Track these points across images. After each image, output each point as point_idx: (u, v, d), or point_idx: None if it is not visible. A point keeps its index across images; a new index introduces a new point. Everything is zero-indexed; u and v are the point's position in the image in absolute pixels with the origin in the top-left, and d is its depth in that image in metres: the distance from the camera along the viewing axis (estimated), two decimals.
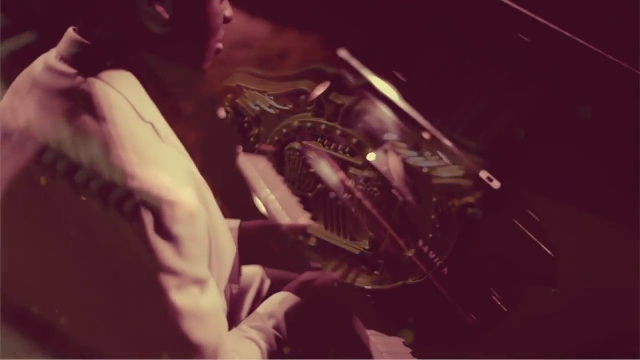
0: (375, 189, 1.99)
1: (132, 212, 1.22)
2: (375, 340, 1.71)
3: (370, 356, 1.70)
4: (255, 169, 2.26)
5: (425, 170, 1.87)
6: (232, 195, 2.31)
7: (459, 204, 1.78)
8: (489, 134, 1.86)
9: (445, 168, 1.88)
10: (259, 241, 1.85)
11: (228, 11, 1.42)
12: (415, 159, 1.93)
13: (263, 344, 1.53)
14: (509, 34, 1.84)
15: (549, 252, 1.59)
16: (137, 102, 1.33)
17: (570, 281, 1.56)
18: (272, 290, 1.93)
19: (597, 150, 1.69)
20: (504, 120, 1.87)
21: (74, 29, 1.36)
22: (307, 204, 2.15)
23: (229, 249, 1.47)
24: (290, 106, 2.22)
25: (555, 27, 1.74)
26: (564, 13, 1.69)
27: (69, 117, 1.28)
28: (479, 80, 2.02)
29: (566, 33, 1.71)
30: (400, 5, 2.13)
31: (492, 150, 1.85)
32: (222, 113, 2.38)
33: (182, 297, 1.26)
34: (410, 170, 1.90)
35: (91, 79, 1.30)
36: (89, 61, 1.32)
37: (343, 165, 2.10)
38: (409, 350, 1.67)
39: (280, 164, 2.29)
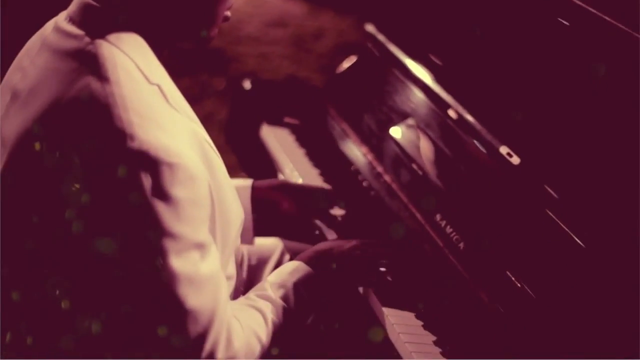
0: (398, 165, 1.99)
1: (130, 174, 1.21)
2: (391, 317, 1.67)
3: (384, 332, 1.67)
4: (278, 142, 2.26)
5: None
6: (257, 170, 2.32)
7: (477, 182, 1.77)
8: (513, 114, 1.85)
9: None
10: (273, 201, 1.84)
11: None
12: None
13: (269, 315, 1.47)
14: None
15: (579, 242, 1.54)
16: (144, 64, 1.32)
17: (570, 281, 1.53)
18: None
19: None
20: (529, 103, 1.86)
21: None
22: (327, 177, 2.14)
23: (235, 214, 1.45)
24: None
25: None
26: None
27: (74, 78, 1.28)
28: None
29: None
30: None
31: (513, 127, 1.83)
32: (247, 84, 2.38)
33: (181, 263, 1.24)
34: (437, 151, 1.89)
35: (98, 41, 1.30)
36: (97, 23, 1.32)
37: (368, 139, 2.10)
38: (420, 323, 1.65)
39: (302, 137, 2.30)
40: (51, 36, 1.37)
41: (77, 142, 1.23)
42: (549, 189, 1.66)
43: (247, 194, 1.80)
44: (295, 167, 2.14)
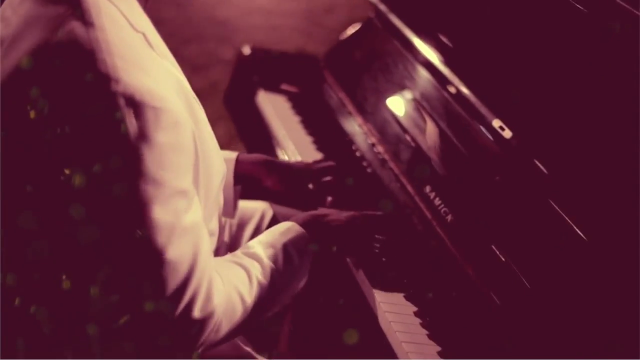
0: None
1: (114, 117, 1.19)
2: (379, 298, 1.61)
3: (374, 315, 1.61)
4: (273, 108, 2.24)
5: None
6: (253, 140, 2.31)
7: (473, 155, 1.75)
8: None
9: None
10: (257, 176, 1.81)
11: None
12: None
13: (255, 274, 1.42)
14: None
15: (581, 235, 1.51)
16: (129, 12, 1.31)
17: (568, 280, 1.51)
18: (273, 224, 1.90)
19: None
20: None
21: None
22: (320, 146, 2.12)
23: (217, 167, 1.43)
24: None
25: None
26: None
27: (58, 24, 1.26)
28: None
29: None
30: None
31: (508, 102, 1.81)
32: (246, 50, 2.36)
33: (161, 210, 1.22)
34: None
35: None
36: None
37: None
38: (411, 306, 1.61)
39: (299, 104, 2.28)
40: None
41: (61, 87, 1.22)
42: (538, 164, 1.64)
43: (231, 167, 1.77)
44: (288, 134, 2.12)
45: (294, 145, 2.06)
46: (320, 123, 2.21)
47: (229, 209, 1.78)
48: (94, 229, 1.22)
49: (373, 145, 2.02)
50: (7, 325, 1.29)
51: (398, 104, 2.04)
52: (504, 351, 1.48)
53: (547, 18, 1.88)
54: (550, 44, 1.84)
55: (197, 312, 1.28)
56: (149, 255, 1.23)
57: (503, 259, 1.57)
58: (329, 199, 1.84)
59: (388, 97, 2.08)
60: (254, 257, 1.46)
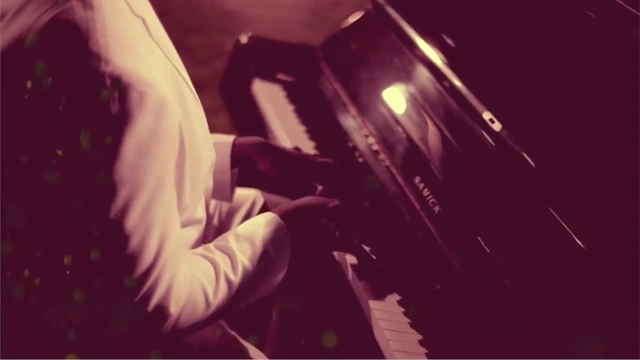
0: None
1: (99, 97, 1.20)
2: (373, 305, 1.55)
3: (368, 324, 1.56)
4: (268, 97, 2.25)
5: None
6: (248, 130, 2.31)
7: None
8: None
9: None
10: (252, 160, 1.81)
11: None
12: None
13: (223, 269, 1.39)
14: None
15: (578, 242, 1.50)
16: None
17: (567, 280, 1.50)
18: (263, 212, 1.90)
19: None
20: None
21: None
22: (312, 135, 2.12)
23: (205, 158, 1.43)
24: None
25: None
26: None
27: (58, 1, 1.28)
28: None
29: None
30: None
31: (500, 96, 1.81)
32: (244, 39, 2.36)
33: (131, 196, 1.22)
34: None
35: None
36: None
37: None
38: (401, 310, 1.58)
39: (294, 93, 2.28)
40: None
41: (55, 62, 1.23)
42: (527, 157, 1.64)
43: (227, 151, 1.76)
44: (281, 122, 2.12)
45: (287, 134, 2.06)
46: (314, 113, 2.21)
47: (226, 193, 1.77)
48: (67, 201, 1.21)
49: (366, 136, 2.02)
50: (7, 325, 1.29)
51: (392, 96, 2.04)
52: (493, 350, 1.48)
53: (541, 12, 1.88)
54: (544, 38, 1.85)
55: (153, 303, 1.26)
56: (112, 238, 1.23)
57: (488, 251, 1.57)
58: (319, 188, 1.83)
59: (382, 89, 2.08)
60: (225, 250, 1.43)
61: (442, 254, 1.65)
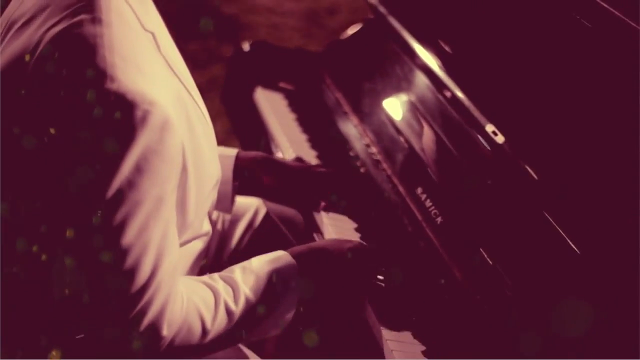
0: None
1: (102, 114, 1.19)
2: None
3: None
4: (270, 105, 2.26)
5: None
6: (249, 137, 2.32)
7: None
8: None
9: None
10: (254, 174, 1.81)
11: None
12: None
13: (224, 299, 1.36)
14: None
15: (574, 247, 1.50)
16: (141, 11, 1.32)
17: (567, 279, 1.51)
18: (266, 221, 1.91)
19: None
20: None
21: None
22: (314, 144, 2.13)
23: (210, 175, 1.43)
24: None
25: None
26: None
27: (68, 15, 1.27)
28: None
29: None
30: None
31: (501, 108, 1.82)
32: (246, 46, 2.37)
33: (128, 215, 1.21)
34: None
35: None
36: None
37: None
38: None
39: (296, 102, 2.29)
40: None
41: (60, 76, 1.22)
42: (529, 170, 1.65)
43: (231, 163, 1.77)
44: (284, 131, 2.13)
45: (289, 143, 2.07)
46: (315, 121, 2.22)
47: (227, 204, 1.78)
48: (67, 215, 1.22)
49: (367, 145, 2.03)
50: (7, 325, 1.29)
51: (393, 106, 2.05)
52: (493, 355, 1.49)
53: (542, 25, 1.89)
54: (545, 50, 1.86)
55: (145, 323, 1.25)
56: (108, 255, 1.22)
57: (491, 263, 1.58)
58: (322, 204, 1.84)
59: (384, 98, 2.09)
60: (229, 281, 1.40)
61: (444, 265, 1.66)
